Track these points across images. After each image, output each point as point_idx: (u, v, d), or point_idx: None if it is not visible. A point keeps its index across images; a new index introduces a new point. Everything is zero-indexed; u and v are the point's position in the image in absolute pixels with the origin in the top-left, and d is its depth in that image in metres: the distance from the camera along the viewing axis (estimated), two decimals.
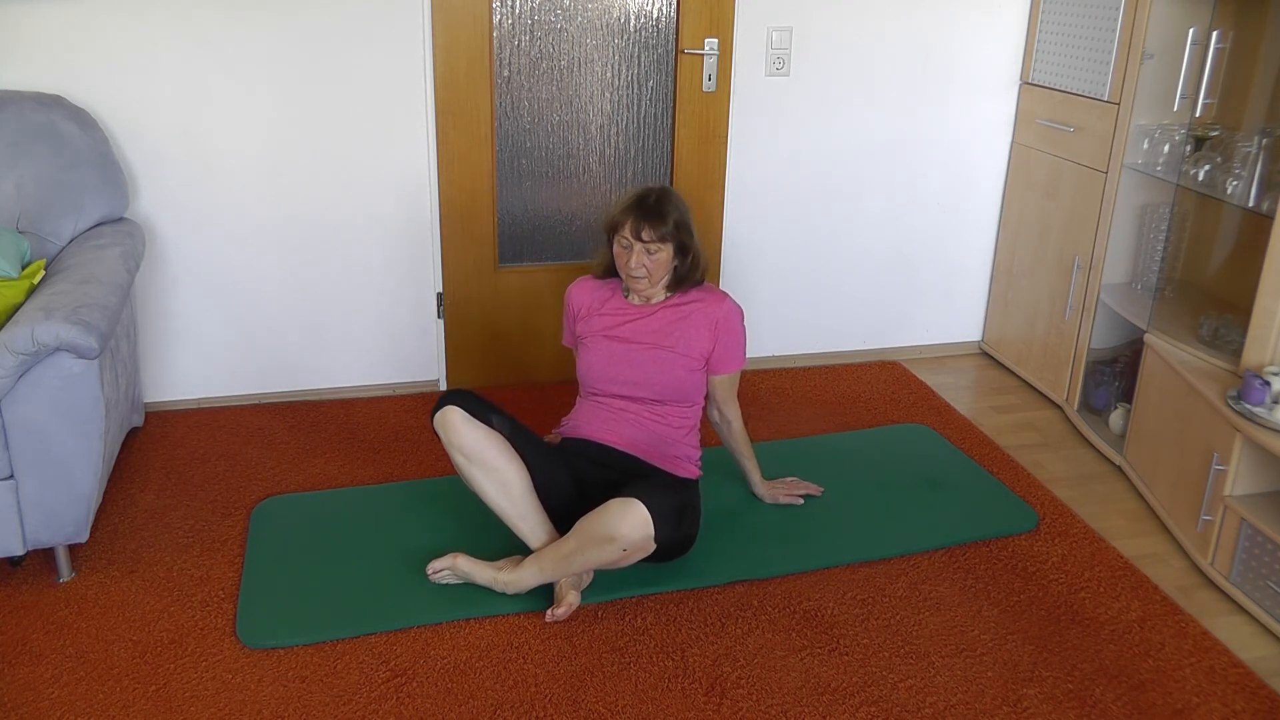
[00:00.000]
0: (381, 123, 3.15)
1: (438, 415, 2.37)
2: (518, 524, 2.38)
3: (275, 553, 2.52)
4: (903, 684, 2.15)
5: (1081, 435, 3.28)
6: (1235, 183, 2.73)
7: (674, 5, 3.26)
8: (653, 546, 2.24)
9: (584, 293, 2.62)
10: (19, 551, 2.32)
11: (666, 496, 2.27)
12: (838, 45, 3.44)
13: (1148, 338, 2.91)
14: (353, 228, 3.24)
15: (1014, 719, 2.07)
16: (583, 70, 3.28)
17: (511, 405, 3.09)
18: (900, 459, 3.03)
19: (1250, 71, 2.96)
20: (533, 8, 3.17)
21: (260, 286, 3.23)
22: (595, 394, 2.55)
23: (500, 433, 2.39)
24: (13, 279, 2.40)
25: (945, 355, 3.90)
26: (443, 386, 3.48)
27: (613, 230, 2.49)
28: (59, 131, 2.73)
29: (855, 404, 3.43)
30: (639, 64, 3.31)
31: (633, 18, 3.26)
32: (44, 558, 2.48)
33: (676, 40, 3.30)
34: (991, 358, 3.87)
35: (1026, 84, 3.59)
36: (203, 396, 3.31)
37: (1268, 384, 2.41)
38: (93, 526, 2.57)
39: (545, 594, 2.34)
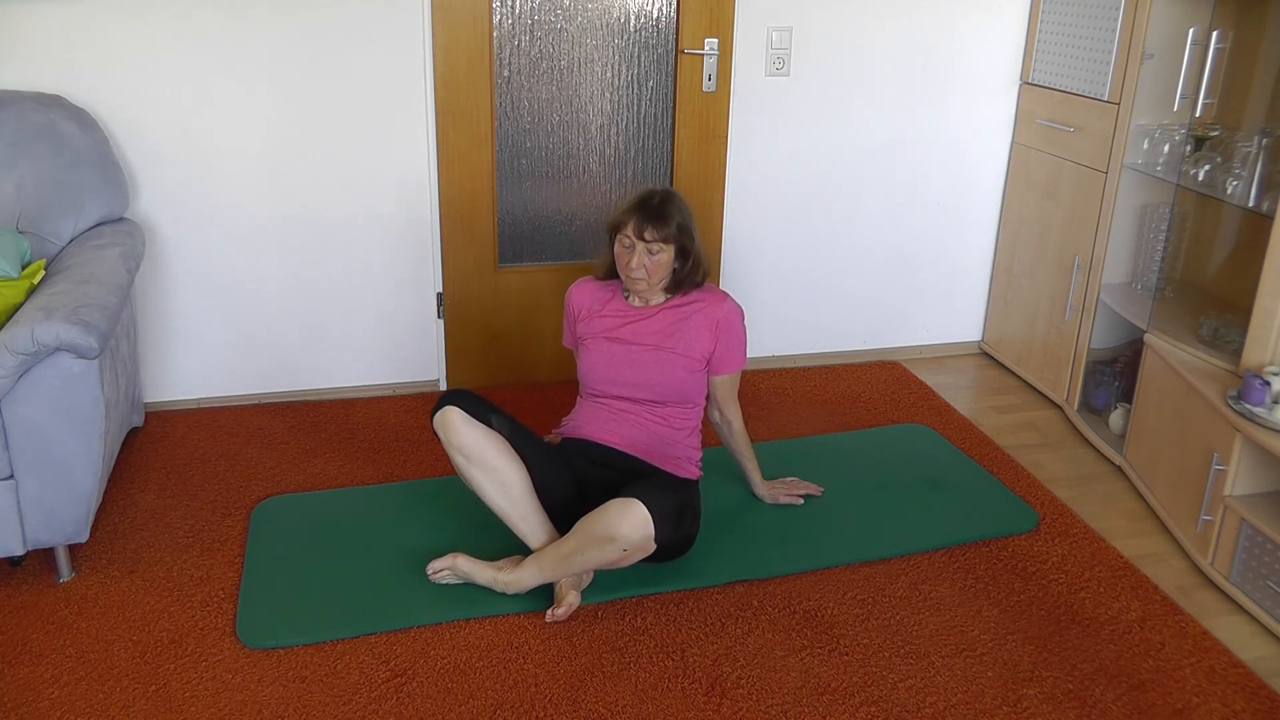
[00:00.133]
0: (381, 123, 3.15)
1: (437, 415, 2.37)
2: (517, 524, 2.38)
3: (275, 553, 2.52)
4: (903, 684, 2.15)
5: (1081, 435, 3.28)
6: (1235, 183, 2.73)
7: (674, 5, 3.27)
8: (653, 547, 2.24)
9: (584, 294, 2.62)
10: (19, 551, 2.32)
11: (666, 496, 2.27)
12: (838, 45, 3.44)
13: (1148, 338, 2.91)
14: (353, 228, 3.24)
15: (1014, 719, 2.07)
16: (583, 70, 3.28)
17: (511, 405, 3.09)
18: (900, 459, 3.03)
19: (1250, 71, 2.96)
20: (533, 8, 3.17)
21: (260, 286, 3.23)
22: (596, 395, 2.55)
23: (500, 433, 2.39)
24: (13, 279, 2.40)
25: (945, 355, 3.90)
26: (443, 386, 3.48)
27: (615, 230, 2.49)
28: (59, 131, 2.73)
29: (855, 404, 3.43)
30: (639, 64, 3.31)
31: (633, 18, 3.26)
32: (44, 558, 2.48)
33: (676, 40, 3.30)
34: (991, 358, 3.87)
35: (1026, 84, 3.59)
36: (203, 396, 3.31)
37: (1268, 384, 2.41)
38: (93, 526, 2.57)
39: (545, 594, 2.34)
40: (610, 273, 2.60)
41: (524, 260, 3.43)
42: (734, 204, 3.53)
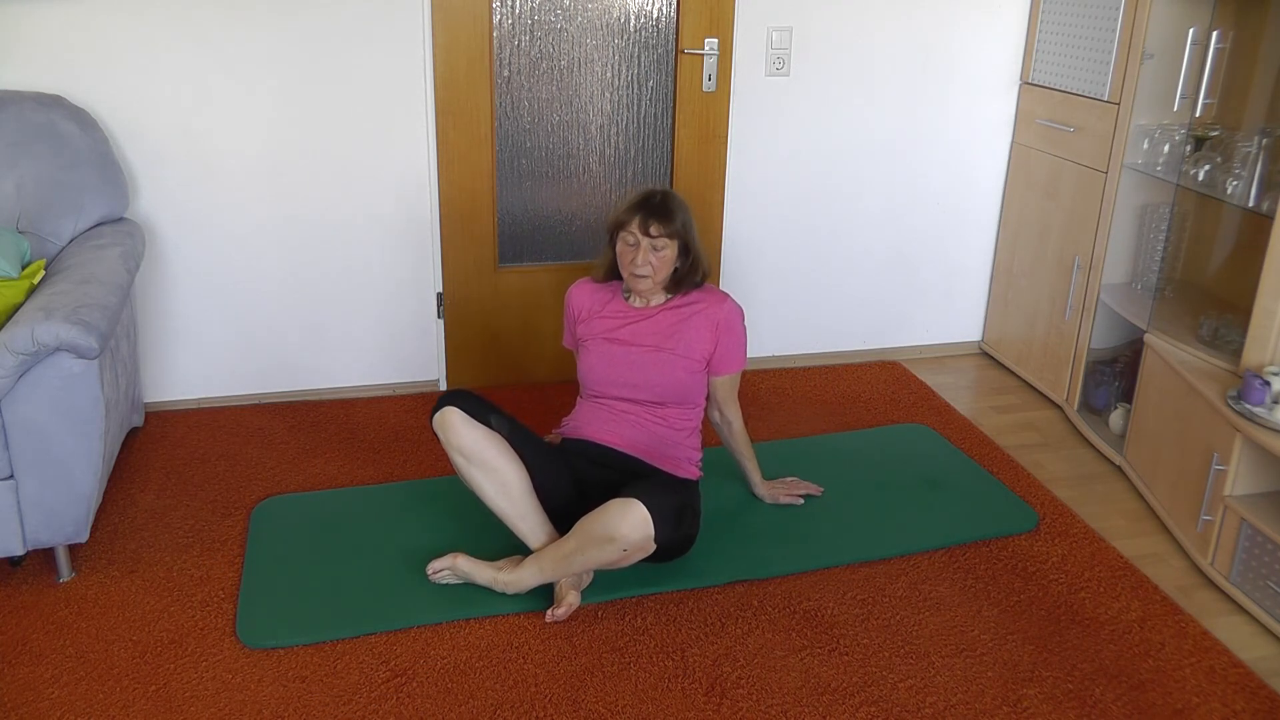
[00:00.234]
0: (381, 123, 3.15)
1: (437, 416, 2.37)
2: (517, 524, 2.38)
3: (275, 553, 2.52)
4: (903, 684, 2.15)
5: (1081, 435, 3.28)
6: (1235, 183, 2.73)
7: (674, 5, 3.27)
8: (653, 547, 2.24)
9: (584, 295, 2.62)
10: (19, 551, 2.32)
11: (666, 497, 2.27)
12: (838, 45, 3.44)
13: (1148, 338, 2.91)
14: (353, 228, 3.24)
15: (1014, 719, 2.07)
16: (583, 70, 3.28)
17: (511, 405, 3.09)
18: (900, 459, 3.03)
19: (1250, 71, 2.96)
20: (533, 8, 3.17)
21: (260, 286, 3.23)
22: (596, 395, 2.55)
23: (499, 433, 2.39)
24: (13, 279, 2.40)
25: (945, 355, 3.90)
26: (443, 386, 3.48)
27: (618, 228, 2.49)
28: (59, 131, 2.73)
29: (855, 404, 3.43)
30: (639, 64, 3.31)
31: (633, 18, 3.26)
32: (44, 558, 2.48)
33: (676, 40, 3.30)
34: (991, 358, 3.87)
35: (1026, 84, 3.59)
36: (203, 396, 3.31)
37: (1268, 384, 2.41)
38: (93, 526, 2.57)
39: (545, 594, 2.34)
40: (610, 275, 2.60)
41: (524, 260, 3.43)
42: (734, 204, 3.53)
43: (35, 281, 2.46)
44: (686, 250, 2.49)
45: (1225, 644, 2.30)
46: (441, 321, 3.41)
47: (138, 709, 2.04)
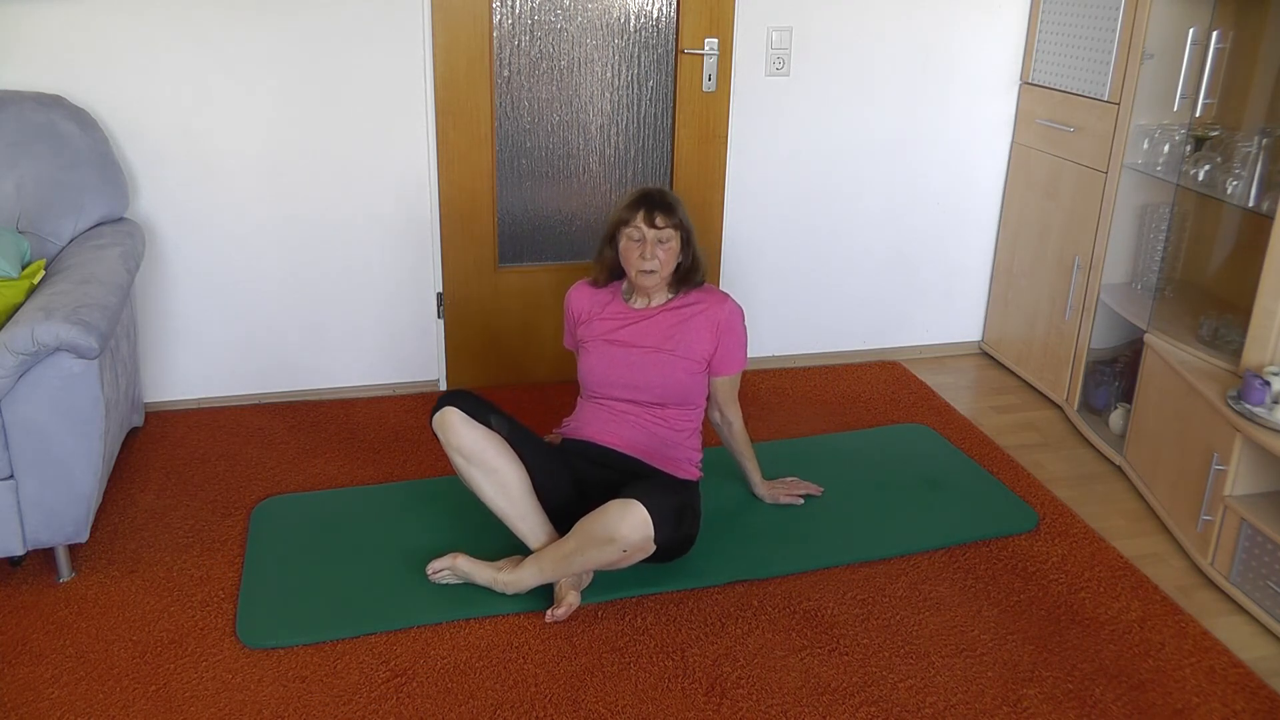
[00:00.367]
0: (381, 123, 3.15)
1: (436, 416, 2.37)
2: (517, 524, 2.38)
3: (275, 553, 2.52)
4: (903, 684, 2.15)
5: (1081, 435, 3.28)
6: (1235, 183, 2.73)
7: (674, 5, 3.27)
8: (653, 547, 2.24)
9: (583, 297, 2.62)
10: (19, 551, 2.32)
11: (666, 497, 2.27)
12: (838, 45, 3.44)
13: (1148, 338, 2.91)
14: (353, 228, 3.24)
15: (1014, 719, 2.07)
16: (583, 70, 3.28)
17: (511, 405, 3.09)
18: (900, 459, 3.03)
19: (1250, 71, 2.96)
20: (533, 8, 3.17)
21: (260, 286, 3.23)
22: (597, 396, 2.55)
23: (499, 433, 2.39)
24: (13, 279, 2.40)
25: (945, 355, 3.90)
26: (443, 386, 3.48)
27: (620, 226, 2.49)
28: (59, 131, 2.73)
29: (855, 404, 3.43)
30: (639, 64, 3.31)
31: (633, 18, 3.26)
32: (44, 558, 2.48)
33: (676, 40, 3.30)
34: (991, 358, 3.87)
35: (1026, 84, 3.59)
36: (203, 396, 3.31)
37: (1268, 384, 2.41)
38: (93, 526, 2.57)
39: (545, 594, 2.34)
40: (610, 277, 2.60)
41: (524, 260, 3.43)
42: (734, 204, 3.53)
43: (35, 281, 2.46)
44: (687, 243, 2.50)
45: (1225, 644, 2.30)
46: (441, 321, 3.41)
47: (138, 709, 2.04)
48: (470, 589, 2.39)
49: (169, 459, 2.96)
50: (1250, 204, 2.67)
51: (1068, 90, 3.35)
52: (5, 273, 2.39)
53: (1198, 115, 2.86)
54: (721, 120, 3.41)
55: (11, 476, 2.26)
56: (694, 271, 2.54)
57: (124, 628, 2.26)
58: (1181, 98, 2.91)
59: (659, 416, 2.51)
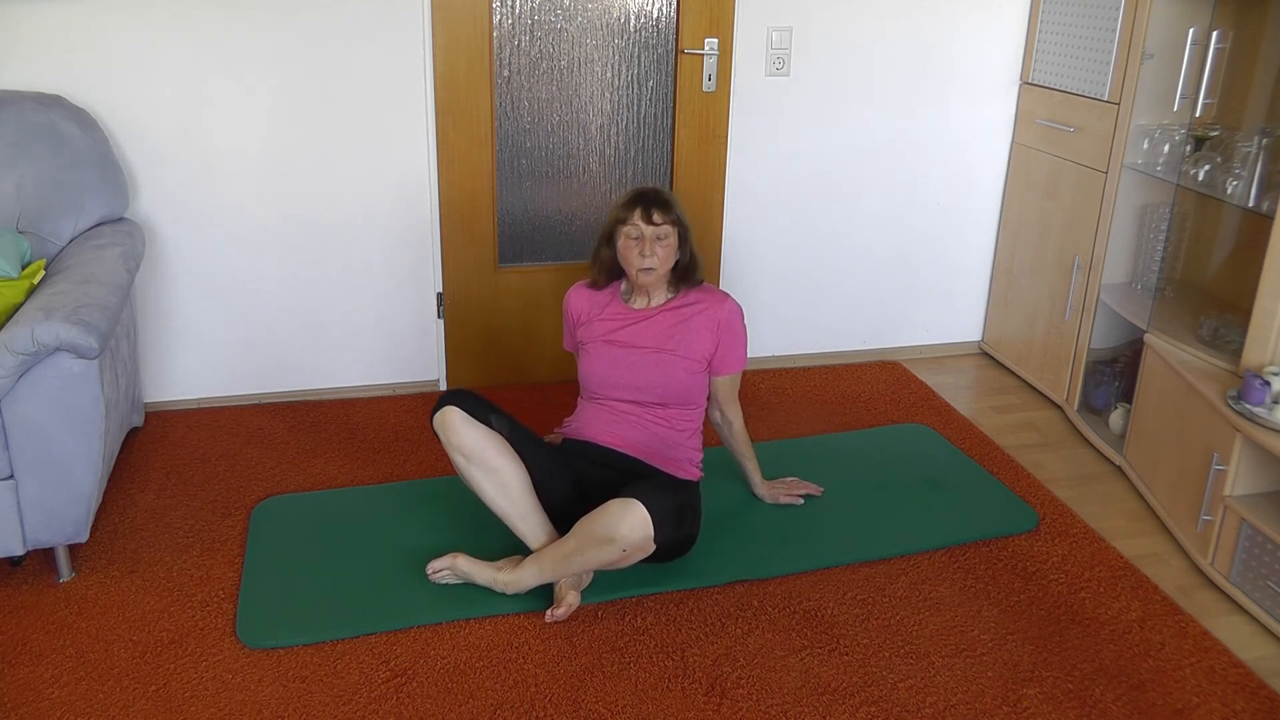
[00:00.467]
0: (381, 123, 3.15)
1: (437, 415, 2.37)
2: (517, 524, 2.38)
3: (275, 553, 2.52)
4: (903, 684, 2.15)
5: (1081, 435, 3.28)
6: (1235, 183, 2.73)
7: (674, 5, 3.27)
8: (652, 547, 2.24)
9: (582, 299, 2.62)
10: (19, 551, 2.32)
11: (666, 497, 2.27)
12: (838, 45, 3.44)
13: (1148, 338, 2.91)
14: (353, 228, 3.24)
15: (1014, 719, 2.07)
16: (583, 70, 3.28)
17: (511, 405, 3.09)
18: (900, 459, 3.03)
19: (1250, 71, 2.96)
20: (533, 8, 3.17)
21: (260, 286, 3.23)
22: (597, 397, 2.55)
23: (500, 433, 2.39)
24: (13, 279, 2.40)
25: (945, 355, 3.90)
26: (443, 386, 3.48)
27: (617, 225, 2.49)
28: (59, 131, 2.73)
29: (855, 404, 3.43)
30: (639, 64, 3.31)
31: (633, 18, 3.26)
32: (44, 558, 2.48)
33: (676, 40, 3.30)
34: (991, 358, 3.87)
35: (1026, 84, 3.59)
36: (203, 396, 3.31)
37: (1268, 384, 2.41)
38: (93, 526, 2.57)
39: (545, 594, 2.34)
40: (608, 278, 2.60)
41: (524, 260, 3.43)
42: (734, 204, 3.53)
43: (35, 281, 2.46)
44: (684, 240, 2.50)
45: (1225, 644, 2.30)
46: (441, 321, 3.41)
47: (138, 709, 2.04)
48: (470, 589, 2.39)
49: (169, 459, 2.96)
50: (1250, 204, 2.67)
51: (1068, 90, 3.35)
52: (5, 273, 2.39)
53: (1198, 115, 2.86)
54: (721, 120, 3.41)
55: (11, 476, 2.26)
56: (692, 269, 2.54)
57: (124, 628, 2.26)
58: (1181, 98, 2.91)
59: (661, 416, 2.51)
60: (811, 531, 2.65)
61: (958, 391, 3.58)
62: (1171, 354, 2.79)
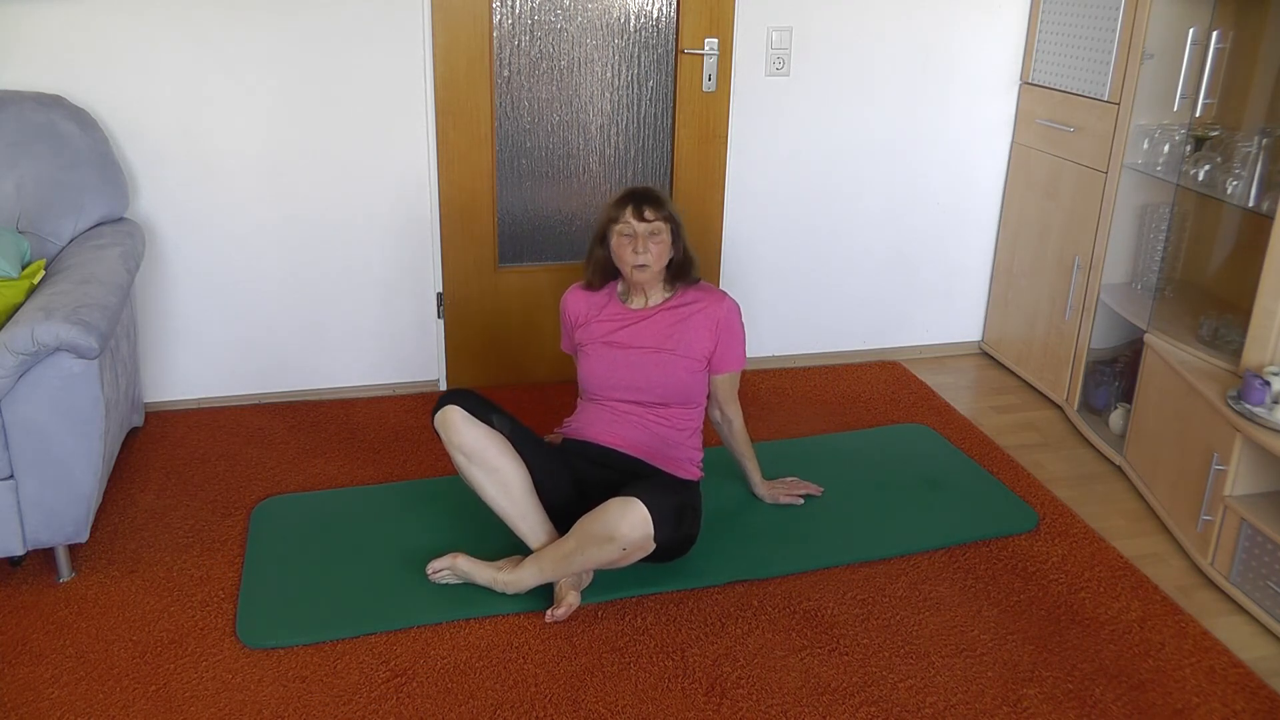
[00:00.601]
0: (381, 123, 3.15)
1: (438, 415, 2.37)
2: (518, 524, 2.38)
3: (275, 553, 2.52)
4: (903, 684, 2.15)
5: (1081, 435, 3.28)
6: (1235, 183, 2.73)
7: (674, 5, 3.27)
8: (652, 546, 2.24)
9: (579, 301, 2.62)
10: (19, 551, 2.32)
11: (666, 497, 2.27)
12: (838, 45, 3.44)
13: (1148, 338, 2.91)
14: (353, 228, 3.24)
15: (1014, 719, 2.07)
16: (583, 70, 3.28)
17: (511, 405, 3.09)
18: (900, 459, 3.03)
19: (1250, 71, 2.97)
20: (533, 8, 3.17)
21: (260, 286, 3.23)
22: (597, 398, 2.55)
23: (500, 432, 2.39)
24: (13, 279, 2.40)
25: (945, 355, 3.90)
26: (443, 386, 3.48)
27: (609, 224, 2.49)
28: (59, 131, 2.73)
29: (855, 404, 3.43)
30: (639, 64, 3.31)
31: (633, 18, 3.26)
32: (44, 558, 2.48)
33: (676, 40, 3.30)
34: (991, 358, 3.87)
35: (1026, 84, 3.59)
36: (203, 396, 3.31)
37: (1268, 384, 2.41)
38: (93, 526, 2.57)
39: (545, 594, 2.34)
40: (604, 278, 2.59)
41: (524, 260, 3.43)
42: (734, 204, 3.53)
43: (35, 281, 2.46)
44: (677, 236, 2.51)
45: (1225, 644, 2.30)
46: (441, 321, 3.41)
47: (138, 709, 2.04)
48: (470, 589, 2.39)
49: (169, 459, 2.96)
50: (1250, 204, 2.67)
51: (1068, 90, 3.35)
52: (5, 273, 2.39)
53: (1198, 115, 2.86)
54: (721, 120, 3.41)
55: (11, 476, 2.26)
56: (687, 266, 2.55)
57: (124, 628, 2.26)
58: (1181, 98, 2.91)
59: (661, 416, 2.51)
60: (811, 531, 2.65)
61: (958, 391, 3.58)
62: (1171, 354, 2.79)
